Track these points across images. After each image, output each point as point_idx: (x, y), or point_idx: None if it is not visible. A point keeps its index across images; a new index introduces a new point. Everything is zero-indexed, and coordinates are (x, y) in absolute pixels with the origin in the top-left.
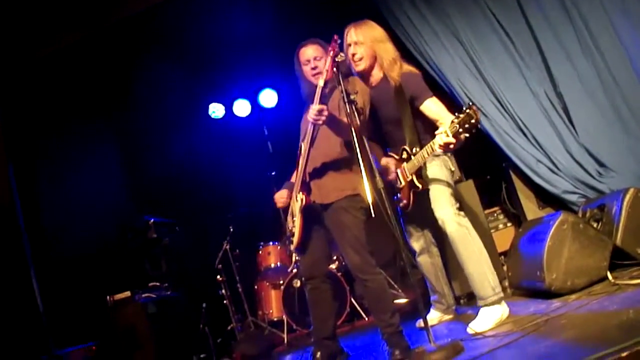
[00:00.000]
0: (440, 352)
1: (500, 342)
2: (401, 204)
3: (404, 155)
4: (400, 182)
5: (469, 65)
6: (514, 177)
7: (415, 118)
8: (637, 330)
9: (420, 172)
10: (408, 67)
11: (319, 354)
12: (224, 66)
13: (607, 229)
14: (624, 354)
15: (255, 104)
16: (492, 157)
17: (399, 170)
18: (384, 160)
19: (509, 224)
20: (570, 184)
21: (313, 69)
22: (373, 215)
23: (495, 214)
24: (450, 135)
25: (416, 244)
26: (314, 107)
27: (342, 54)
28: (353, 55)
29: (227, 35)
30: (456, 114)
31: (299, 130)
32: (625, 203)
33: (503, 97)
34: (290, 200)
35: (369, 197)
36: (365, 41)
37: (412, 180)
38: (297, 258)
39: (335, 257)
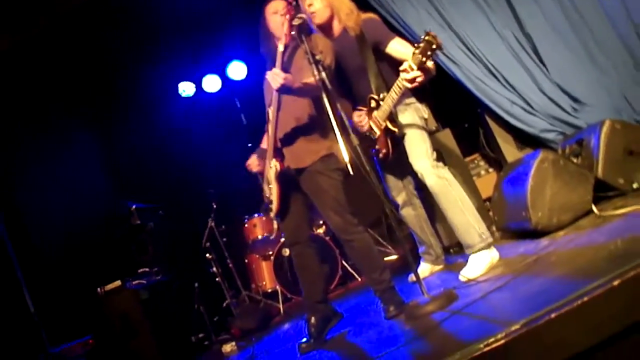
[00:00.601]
0: (434, 303)
1: (492, 285)
2: (381, 155)
3: (373, 104)
4: (375, 132)
5: (434, 15)
6: (490, 121)
7: (380, 63)
8: (626, 259)
9: (392, 117)
10: (367, 15)
11: (313, 318)
12: (189, 43)
13: (587, 163)
14: (616, 283)
15: (224, 78)
16: (466, 104)
17: (371, 122)
18: (355, 116)
19: (490, 170)
20: (547, 122)
21: (282, 16)
22: (351, 174)
23: (476, 161)
24: (415, 67)
25: (398, 198)
26: (269, 73)
27: (300, 15)
28: (309, 6)
29: (188, 12)
30: (415, 45)
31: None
32: (602, 135)
33: (471, 43)
34: (264, 165)
35: (345, 155)
36: None
37: (386, 126)
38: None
39: (322, 222)
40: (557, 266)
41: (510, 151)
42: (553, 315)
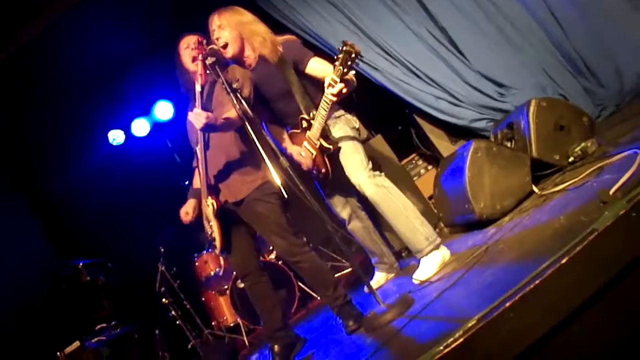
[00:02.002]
0: (391, 311)
1: (446, 283)
2: (321, 175)
3: (304, 125)
4: (312, 153)
5: (347, 25)
6: (419, 120)
7: (304, 82)
8: (570, 234)
9: (325, 134)
10: (284, 37)
11: (276, 347)
12: (112, 91)
13: (520, 145)
14: (564, 261)
15: (153, 120)
16: (395, 107)
17: (305, 143)
18: (289, 149)
19: (429, 167)
20: (475, 111)
21: (193, 50)
22: (286, 197)
23: (414, 161)
24: (338, 80)
25: (343, 213)
26: (191, 114)
27: (211, 47)
28: (217, 40)
29: (109, 60)
30: (335, 57)
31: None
32: (530, 115)
33: (388, 47)
34: (200, 208)
35: (277, 180)
36: (229, 24)
37: (321, 144)
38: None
39: (271, 247)
40: (506, 253)
41: (445, 146)
42: (507, 304)
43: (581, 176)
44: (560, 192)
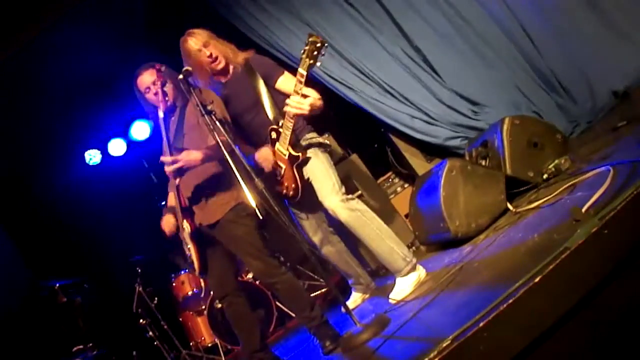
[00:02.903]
0: (367, 331)
1: (421, 303)
2: (291, 192)
3: (274, 136)
4: (281, 167)
5: None
6: (394, 139)
7: (274, 94)
8: (544, 253)
9: (294, 142)
10: (251, 52)
11: None
12: (89, 111)
13: (495, 163)
14: (537, 279)
15: (129, 140)
16: (370, 126)
17: (268, 156)
18: (257, 156)
19: (406, 185)
20: (449, 130)
21: (155, 94)
22: (261, 218)
23: (390, 179)
24: (305, 73)
25: (315, 238)
26: (165, 161)
27: (186, 69)
28: (210, 55)
29: (84, 80)
30: (302, 51)
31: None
32: (504, 134)
33: (362, 66)
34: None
35: (252, 201)
36: (210, 40)
37: (290, 154)
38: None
39: (248, 268)
40: (481, 272)
41: (420, 164)
42: (481, 324)
43: (554, 193)
44: (535, 210)
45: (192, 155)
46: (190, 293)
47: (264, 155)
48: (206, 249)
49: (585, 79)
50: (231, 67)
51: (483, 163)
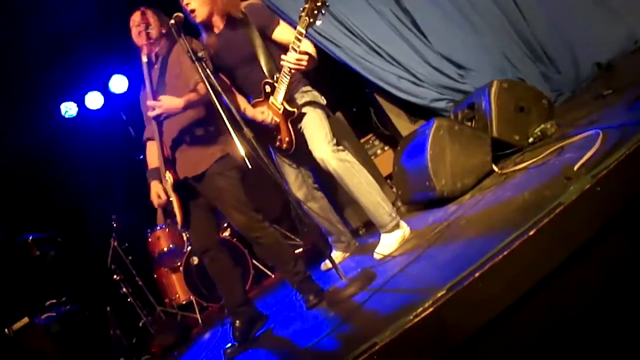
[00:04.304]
0: (353, 285)
1: (409, 258)
2: (285, 145)
3: (268, 89)
4: (275, 120)
5: None
6: (379, 99)
7: (270, 46)
8: (536, 209)
9: (290, 97)
10: (247, 1)
11: (237, 322)
12: (65, 63)
13: (481, 125)
14: (531, 233)
15: (106, 94)
16: (351, 88)
17: (268, 111)
18: (258, 113)
19: (386, 147)
20: (436, 91)
21: (138, 27)
22: (250, 167)
23: (371, 141)
24: (304, 32)
25: (299, 193)
26: (150, 105)
27: (162, 26)
28: (187, 5)
29: (62, 31)
30: (300, 9)
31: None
32: (492, 96)
33: (351, 24)
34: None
35: (242, 150)
36: None
37: (285, 109)
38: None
39: (225, 225)
40: (470, 228)
41: (404, 125)
42: (477, 275)
43: (542, 155)
44: (521, 171)
45: (174, 102)
46: (165, 249)
47: (255, 114)
48: (188, 202)
49: (570, 49)
50: (220, 20)
51: (469, 124)
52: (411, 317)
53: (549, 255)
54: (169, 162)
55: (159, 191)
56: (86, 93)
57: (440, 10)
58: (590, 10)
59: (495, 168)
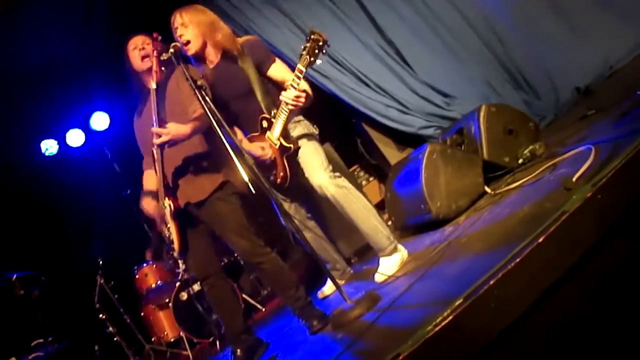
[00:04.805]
0: (359, 307)
1: (413, 278)
2: (279, 179)
3: (265, 125)
4: (272, 155)
5: (298, 33)
6: (367, 128)
7: (265, 83)
8: (539, 220)
9: (286, 133)
10: (245, 37)
11: (238, 351)
12: (44, 100)
13: (471, 149)
14: (541, 239)
15: (87, 131)
16: (336, 120)
17: (264, 144)
18: (246, 146)
19: (371, 178)
20: (423, 119)
21: (142, 50)
22: (253, 192)
23: (356, 172)
24: (304, 70)
25: (293, 223)
26: (155, 132)
27: (166, 52)
28: (180, 37)
29: (41, 69)
30: (302, 47)
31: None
32: (481, 120)
33: (338, 56)
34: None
35: (245, 176)
36: (191, 22)
37: (281, 144)
38: (182, 267)
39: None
40: (473, 244)
41: (392, 154)
42: (492, 282)
43: (536, 172)
44: (516, 190)
45: (180, 129)
46: (153, 285)
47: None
48: (188, 229)
49: (548, 75)
50: (214, 53)
51: (460, 149)
52: (431, 327)
53: (559, 260)
54: (169, 190)
55: (150, 202)
56: (67, 130)
57: (423, 40)
58: (562, 35)
59: (487, 189)
